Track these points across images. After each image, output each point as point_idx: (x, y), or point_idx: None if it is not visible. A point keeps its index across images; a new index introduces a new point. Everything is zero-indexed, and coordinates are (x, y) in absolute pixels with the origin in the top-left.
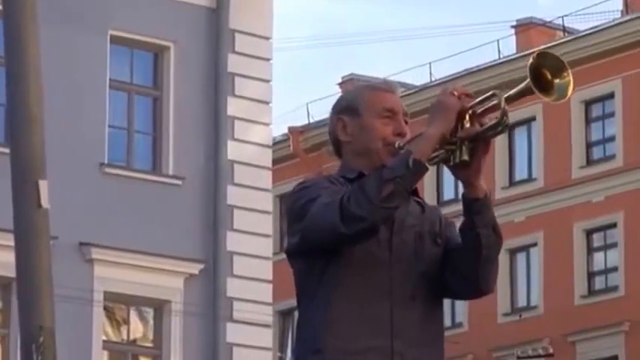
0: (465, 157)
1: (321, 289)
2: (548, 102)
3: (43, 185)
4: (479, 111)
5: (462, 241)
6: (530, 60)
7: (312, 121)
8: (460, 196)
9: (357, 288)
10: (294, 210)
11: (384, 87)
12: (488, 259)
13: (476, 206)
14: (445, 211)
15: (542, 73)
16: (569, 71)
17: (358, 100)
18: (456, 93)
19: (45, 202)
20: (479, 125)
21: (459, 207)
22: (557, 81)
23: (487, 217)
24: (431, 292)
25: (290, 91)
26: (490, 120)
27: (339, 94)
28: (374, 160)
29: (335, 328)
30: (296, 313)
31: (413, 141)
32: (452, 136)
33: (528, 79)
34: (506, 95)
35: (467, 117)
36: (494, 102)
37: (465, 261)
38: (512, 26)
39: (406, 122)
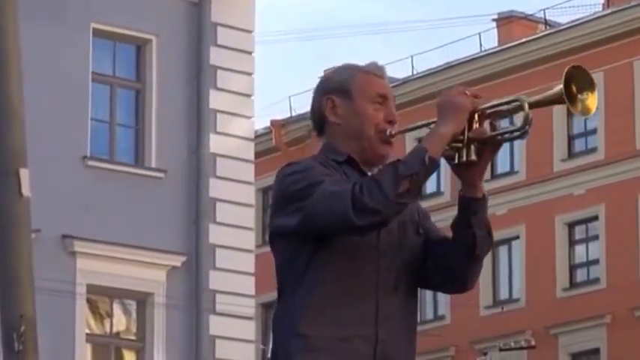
0: (474, 158)
1: (309, 274)
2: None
3: (24, 174)
4: (488, 112)
5: (454, 239)
6: (567, 68)
7: (294, 114)
8: (441, 189)
9: (345, 275)
10: (290, 192)
11: (376, 72)
12: (479, 258)
13: (474, 206)
14: (426, 204)
15: (570, 85)
16: (596, 92)
17: (351, 83)
18: (468, 93)
19: (26, 190)
20: (490, 126)
21: (440, 200)
22: (579, 96)
23: (483, 217)
24: (410, 282)
25: (272, 85)
26: (497, 121)
27: (326, 73)
28: (364, 145)
29: (321, 313)
30: None
31: (425, 138)
32: (460, 135)
33: (561, 87)
34: (530, 101)
35: (475, 117)
36: (507, 107)
37: (455, 258)
38: (494, 19)
39: None
